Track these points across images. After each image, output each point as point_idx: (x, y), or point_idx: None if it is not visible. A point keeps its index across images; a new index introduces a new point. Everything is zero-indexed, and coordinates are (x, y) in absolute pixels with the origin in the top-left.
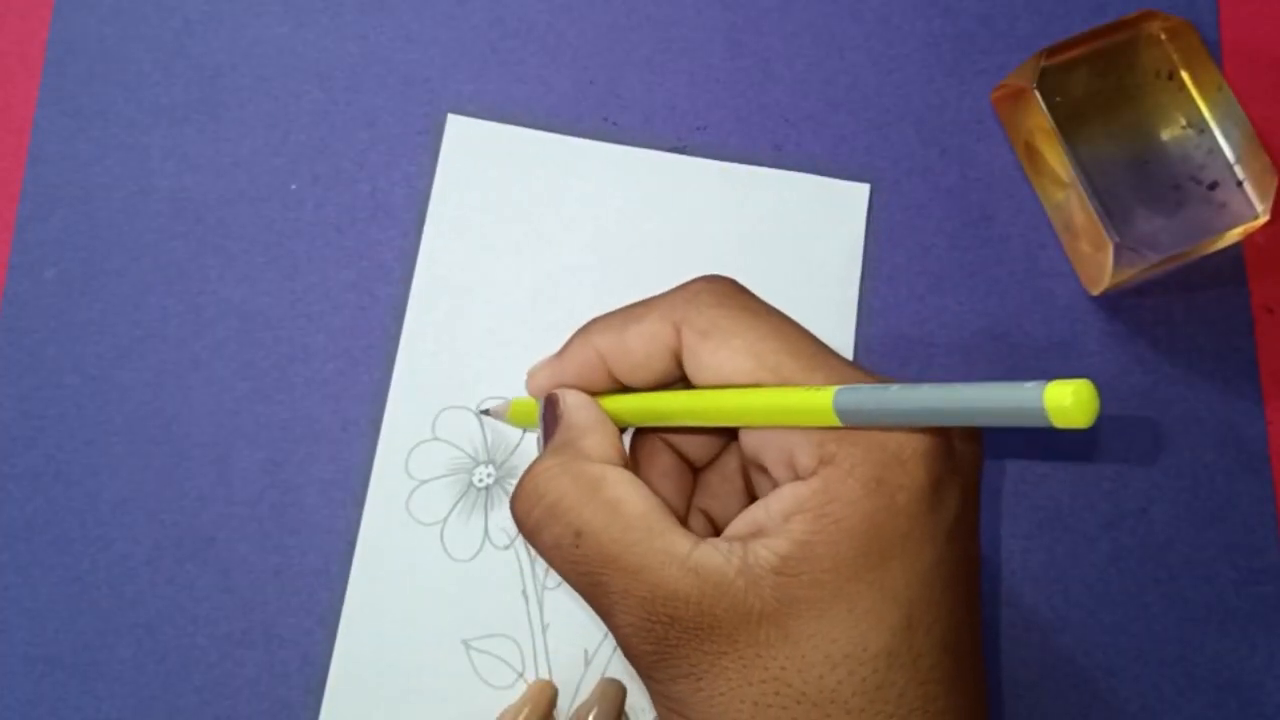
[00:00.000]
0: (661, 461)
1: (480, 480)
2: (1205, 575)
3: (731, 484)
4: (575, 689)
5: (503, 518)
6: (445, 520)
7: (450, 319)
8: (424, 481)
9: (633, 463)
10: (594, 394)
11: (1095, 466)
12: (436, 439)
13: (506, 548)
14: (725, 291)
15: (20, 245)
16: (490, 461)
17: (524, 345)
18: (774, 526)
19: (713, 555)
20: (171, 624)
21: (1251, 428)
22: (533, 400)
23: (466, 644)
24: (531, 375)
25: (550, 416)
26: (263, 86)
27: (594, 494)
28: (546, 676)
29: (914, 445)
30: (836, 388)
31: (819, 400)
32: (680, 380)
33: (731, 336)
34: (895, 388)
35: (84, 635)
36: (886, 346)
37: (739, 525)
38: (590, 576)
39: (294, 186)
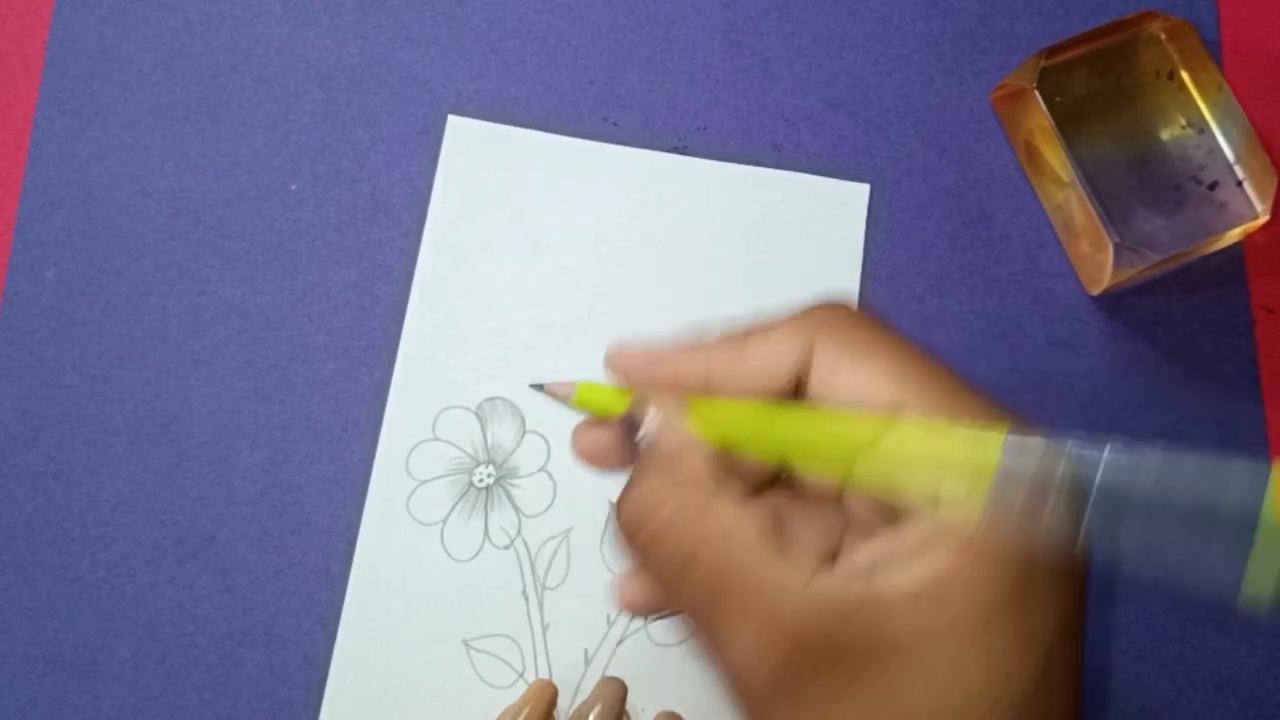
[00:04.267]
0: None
1: (480, 480)
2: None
3: (813, 512)
4: (575, 689)
5: (503, 518)
6: (445, 520)
7: (450, 319)
8: (424, 481)
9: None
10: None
11: None
12: (436, 439)
13: (506, 548)
14: (859, 314)
15: (20, 245)
16: (490, 461)
17: (524, 345)
18: (907, 554)
19: (831, 583)
20: (171, 624)
21: (1251, 428)
22: (603, 387)
23: (466, 644)
24: (619, 357)
25: (631, 427)
26: (263, 86)
27: (702, 519)
28: (546, 676)
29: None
30: (1006, 435)
31: (985, 443)
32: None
33: (874, 356)
34: (1072, 445)
35: (84, 635)
36: None
37: (858, 559)
38: (702, 603)
39: (294, 186)
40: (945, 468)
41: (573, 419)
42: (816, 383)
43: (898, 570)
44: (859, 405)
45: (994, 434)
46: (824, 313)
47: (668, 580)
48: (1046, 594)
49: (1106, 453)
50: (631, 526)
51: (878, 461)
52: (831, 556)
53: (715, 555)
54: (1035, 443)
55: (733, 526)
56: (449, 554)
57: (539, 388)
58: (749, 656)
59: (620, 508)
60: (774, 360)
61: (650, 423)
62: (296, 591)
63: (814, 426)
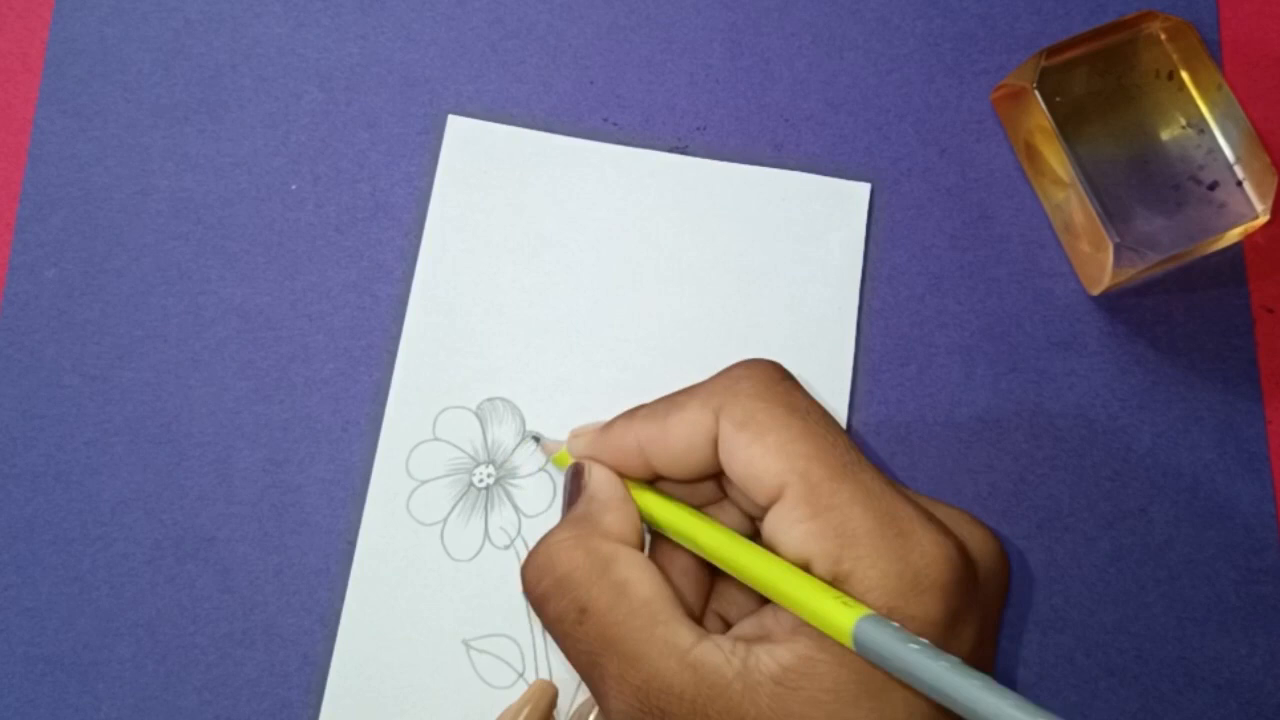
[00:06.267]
0: (681, 559)
1: (480, 480)
2: (1205, 575)
3: (749, 590)
4: (575, 689)
5: (503, 518)
6: (445, 520)
7: (450, 319)
8: (424, 481)
9: (653, 556)
10: (628, 479)
11: (1095, 466)
12: (436, 439)
13: (506, 548)
14: (766, 379)
15: (20, 245)
16: (490, 461)
17: (524, 345)
18: (781, 635)
19: (713, 653)
20: (171, 624)
21: (1251, 428)
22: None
23: (466, 644)
24: (574, 437)
25: (574, 486)
26: (263, 86)
27: (604, 573)
28: (546, 676)
29: (934, 575)
30: (859, 619)
31: (839, 620)
32: (718, 474)
33: (766, 432)
34: (915, 648)
35: (84, 635)
36: (886, 346)
37: (747, 626)
38: (589, 656)
39: (294, 186)
40: (809, 542)
41: (571, 418)
42: (723, 454)
43: (771, 649)
44: (751, 481)
45: (847, 616)
46: (731, 381)
47: (561, 633)
48: (904, 689)
49: (943, 666)
50: (535, 574)
51: (765, 536)
52: (726, 622)
53: (609, 608)
54: (883, 642)
55: (632, 580)
56: (449, 554)
57: (536, 439)
58: (622, 715)
59: (528, 557)
60: (691, 433)
61: (587, 475)
62: (296, 591)
63: (713, 542)
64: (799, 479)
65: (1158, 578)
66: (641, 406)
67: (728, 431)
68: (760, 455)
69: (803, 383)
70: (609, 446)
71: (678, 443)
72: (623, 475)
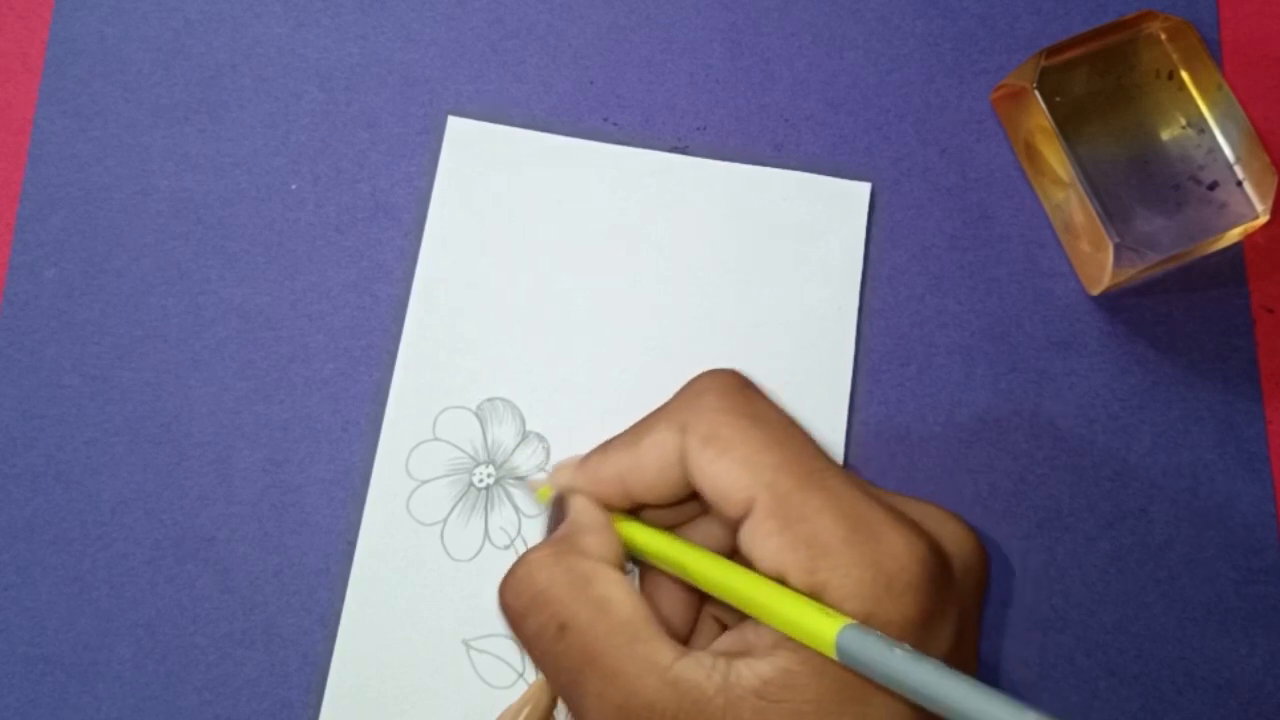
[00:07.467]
0: (667, 580)
1: (480, 480)
2: (1205, 575)
3: None
4: None
5: (503, 518)
6: (445, 520)
7: (450, 319)
8: (424, 481)
9: (641, 581)
10: (611, 510)
11: (1095, 466)
12: (436, 439)
13: (506, 548)
14: (729, 390)
15: (20, 245)
16: (490, 461)
17: (523, 346)
18: (762, 648)
19: (694, 669)
20: (171, 624)
21: (1251, 428)
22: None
23: (466, 644)
24: (557, 471)
25: (557, 517)
26: (263, 86)
27: (584, 589)
28: None
29: (908, 576)
30: (841, 628)
31: (821, 631)
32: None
33: (731, 446)
34: (899, 654)
35: (84, 635)
36: (886, 346)
37: (727, 641)
38: (569, 673)
39: (294, 186)
40: (784, 554)
41: (572, 418)
42: (691, 472)
43: (751, 663)
44: (720, 497)
45: (829, 626)
46: (693, 396)
47: (540, 650)
48: (884, 693)
49: (925, 669)
50: (513, 589)
51: (741, 549)
52: (725, 626)
53: (589, 624)
54: (868, 650)
55: (612, 598)
56: (449, 554)
57: (521, 480)
58: None
59: (506, 575)
60: (662, 456)
61: (568, 504)
62: (296, 591)
63: (694, 565)
64: (766, 491)
65: (1158, 578)
66: (616, 436)
67: (694, 448)
68: (726, 470)
69: (803, 383)
70: (589, 478)
71: (651, 467)
72: (606, 507)
